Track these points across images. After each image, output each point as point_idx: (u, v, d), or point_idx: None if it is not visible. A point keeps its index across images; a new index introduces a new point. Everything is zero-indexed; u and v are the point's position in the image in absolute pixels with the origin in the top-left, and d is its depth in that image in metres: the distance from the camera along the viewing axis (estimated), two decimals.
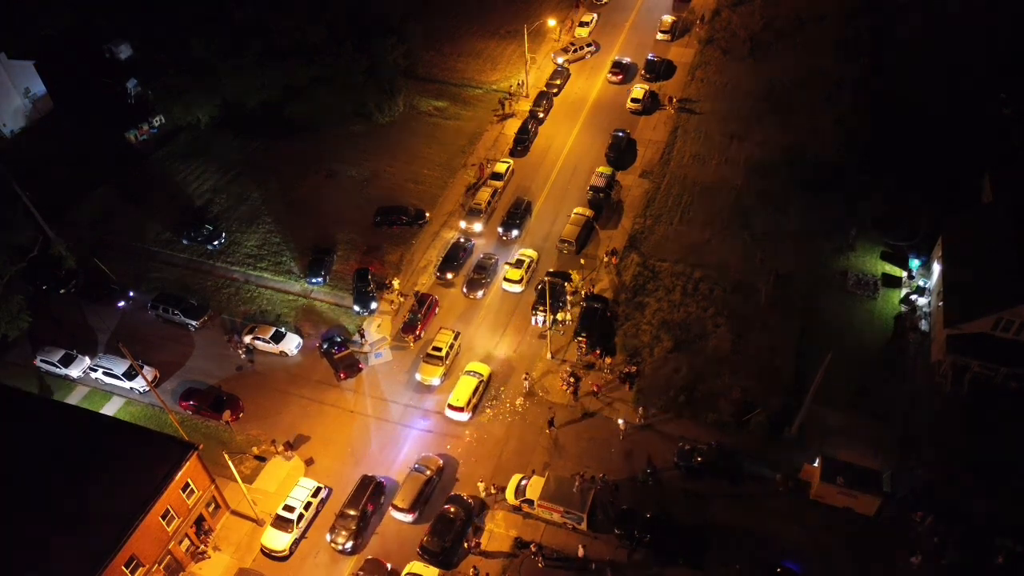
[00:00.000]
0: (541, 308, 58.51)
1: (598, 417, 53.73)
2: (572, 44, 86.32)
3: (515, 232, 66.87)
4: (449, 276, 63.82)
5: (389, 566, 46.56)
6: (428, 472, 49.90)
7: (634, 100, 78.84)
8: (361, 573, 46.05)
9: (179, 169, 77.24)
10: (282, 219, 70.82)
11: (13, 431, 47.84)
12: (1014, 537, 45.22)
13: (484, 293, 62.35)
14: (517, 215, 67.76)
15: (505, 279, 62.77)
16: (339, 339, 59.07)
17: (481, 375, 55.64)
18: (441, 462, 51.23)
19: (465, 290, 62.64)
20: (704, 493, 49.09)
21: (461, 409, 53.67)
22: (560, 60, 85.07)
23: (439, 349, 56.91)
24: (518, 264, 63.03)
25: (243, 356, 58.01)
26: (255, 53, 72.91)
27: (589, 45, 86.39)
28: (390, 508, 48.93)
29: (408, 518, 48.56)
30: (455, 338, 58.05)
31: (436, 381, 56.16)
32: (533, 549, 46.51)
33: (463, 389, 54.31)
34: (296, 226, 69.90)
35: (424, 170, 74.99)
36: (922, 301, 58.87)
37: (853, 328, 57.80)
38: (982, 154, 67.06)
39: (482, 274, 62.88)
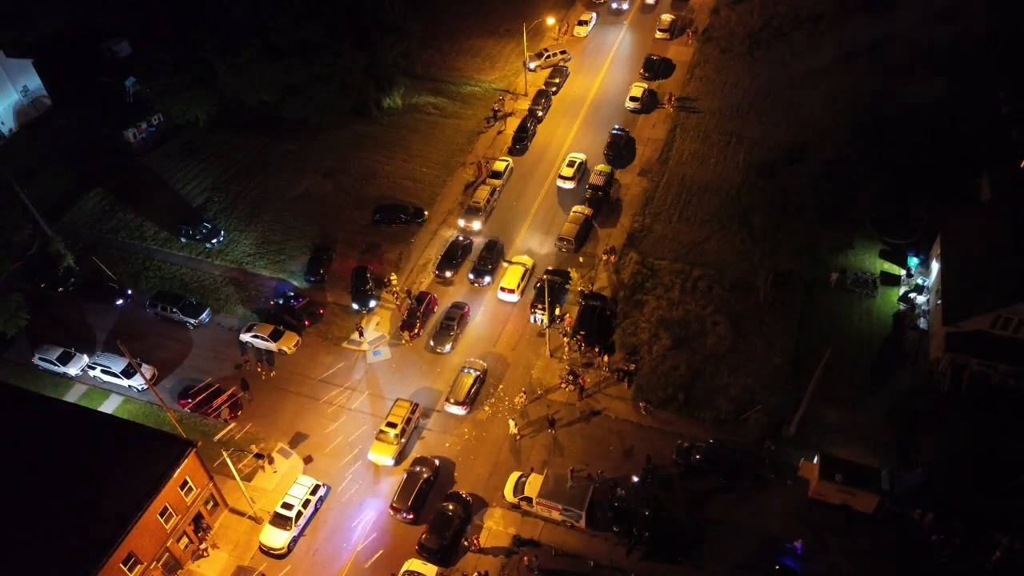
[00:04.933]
0: (540, 307, 58.48)
1: (597, 415, 53.77)
2: (546, 50, 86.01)
3: (487, 279, 62.76)
4: (448, 274, 63.77)
5: (437, 461, 50.87)
6: (475, 372, 55.22)
7: (633, 99, 78.87)
8: (415, 468, 49.93)
9: (177, 167, 77.17)
10: (281, 217, 70.79)
11: (11, 429, 47.71)
12: (1012, 534, 45.25)
13: (452, 347, 58.45)
14: (489, 259, 63.73)
15: (560, 176, 70.45)
16: (291, 292, 62.11)
17: (526, 265, 62.62)
18: (485, 365, 56.42)
19: (432, 343, 58.45)
20: (703, 490, 49.11)
21: (512, 291, 60.85)
22: (532, 65, 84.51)
23: (393, 424, 52.09)
24: (570, 164, 70.76)
25: (243, 392, 56.61)
26: (253, 51, 72.82)
27: (563, 52, 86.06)
28: (445, 404, 54.15)
29: (462, 411, 53.99)
30: (412, 411, 53.12)
31: (389, 461, 51.47)
32: (527, 562, 46.11)
33: (512, 275, 61.46)
34: (295, 224, 69.89)
35: (423, 168, 74.97)
36: (921, 299, 58.90)
37: (852, 326, 57.85)
38: (980, 152, 67.09)
39: (450, 324, 58.76)
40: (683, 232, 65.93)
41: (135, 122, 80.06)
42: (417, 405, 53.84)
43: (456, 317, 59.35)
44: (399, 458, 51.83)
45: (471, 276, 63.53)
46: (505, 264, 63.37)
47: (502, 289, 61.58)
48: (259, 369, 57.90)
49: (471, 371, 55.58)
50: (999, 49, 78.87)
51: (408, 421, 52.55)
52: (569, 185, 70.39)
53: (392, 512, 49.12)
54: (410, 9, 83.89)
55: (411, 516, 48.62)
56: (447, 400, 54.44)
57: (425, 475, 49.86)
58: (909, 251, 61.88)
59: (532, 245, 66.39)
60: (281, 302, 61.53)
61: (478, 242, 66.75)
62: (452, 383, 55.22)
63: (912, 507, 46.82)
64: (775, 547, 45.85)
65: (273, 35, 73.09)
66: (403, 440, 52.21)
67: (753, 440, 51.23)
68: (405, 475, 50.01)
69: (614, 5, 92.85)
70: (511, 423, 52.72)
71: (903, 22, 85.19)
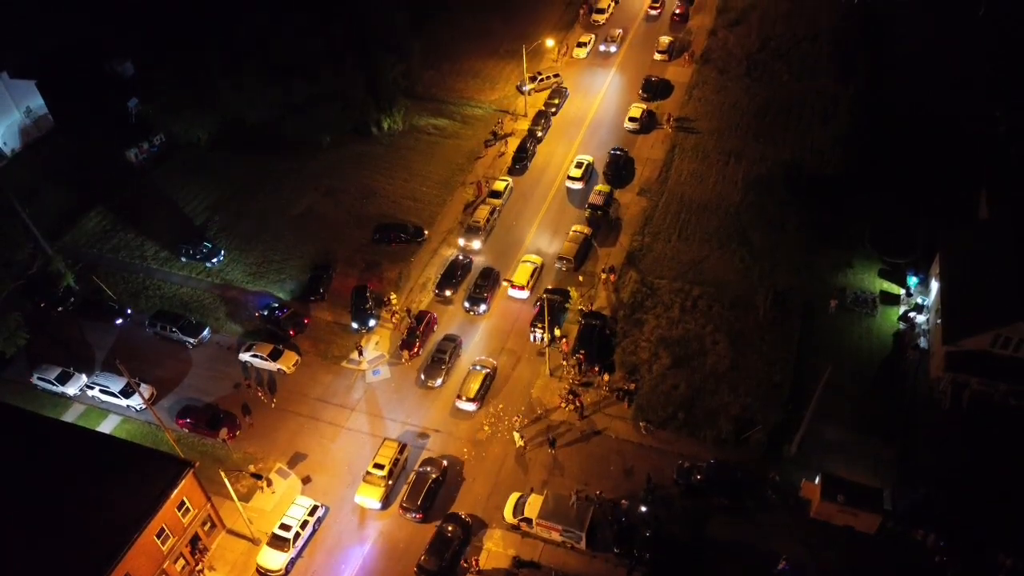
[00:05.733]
0: (540, 325, 58.47)
1: (597, 435, 53.52)
2: (539, 73, 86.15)
3: (483, 307, 61.81)
4: (448, 293, 63.78)
5: (444, 462, 51.52)
6: (486, 369, 56.60)
7: (631, 119, 79.43)
8: (423, 468, 50.56)
9: (178, 186, 77.48)
10: (281, 236, 70.94)
11: (9, 448, 47.51)
12: (1015, 554, 44.89)
13: (443, 381, 57.20)
14: (485, 287, 62.55)
15: (569, 177, 73.24)
16: (275, 304, 62.92)
17: (536, 263, 64.57)
18: (495, 362, 57.95)
19: (423, 376, 57.27)
20: (704, 511, 48.77)
21: (522, 288, 62.33)
22: (526, 88, 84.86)
23: (380, 466, 50.40)
24: (578, 165, 73.69)
25: (244, 417, 56.25)
26: (255, 70, 73.44)
27: (556, 75, 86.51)
28: (456, 400, 55.35)
29: (472, 407, 55.10)
30: (400, 451, 51.60)
31: (376, 504, 49.82)
32: None
33: (523, 272, 63.55)
34: (295, 243, 70.04)
35: (423, 188, 75.29)
36: (921, 319, 58.88)
37: (852, 345, 57.79)
38: (978, 171, 67.43)
39: (442, 357, 57.60)
40: (682, 251, 66.08)
41: (137, 142, 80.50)
42: (405, 445, 52.28)
43: (448, 350, 58.01)
44: (386, 501, 50.30)
45: (466, 304, 62.58)
46: (505, 282, 63.42)
47: (512, 286, 62.77)
48: (260, 394, 57.49)
49: (481, 368, 56.71)
50: (997, 68, 79.56)
51: (396, 462, 50.88)
52: (577, 186, 72.79)
53: (401, 512, 49.42)
54: (411, 29, 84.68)
55: (420, 516, 48.96)
56: (458, 397, 55.30)
57: (434, 475, 50.26)
58: (908, 270, 61.96)
59: (541, 244, 68.31)
60: (266, 313, 62.25)
61: (478, 261, 66.93)
62: (462, 381, 56.56)
63: (914, 527, 46.49)
64: (776, 567, 45.43)
65: (275, 53, 73.75)
66: (391, 482, 50.55)
67: (754, 459, 50.97)
68: (414, 475, 50.44)
69: (602, 48, 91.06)
70: (516, 435, 52.78)
71: (900, 41, 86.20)
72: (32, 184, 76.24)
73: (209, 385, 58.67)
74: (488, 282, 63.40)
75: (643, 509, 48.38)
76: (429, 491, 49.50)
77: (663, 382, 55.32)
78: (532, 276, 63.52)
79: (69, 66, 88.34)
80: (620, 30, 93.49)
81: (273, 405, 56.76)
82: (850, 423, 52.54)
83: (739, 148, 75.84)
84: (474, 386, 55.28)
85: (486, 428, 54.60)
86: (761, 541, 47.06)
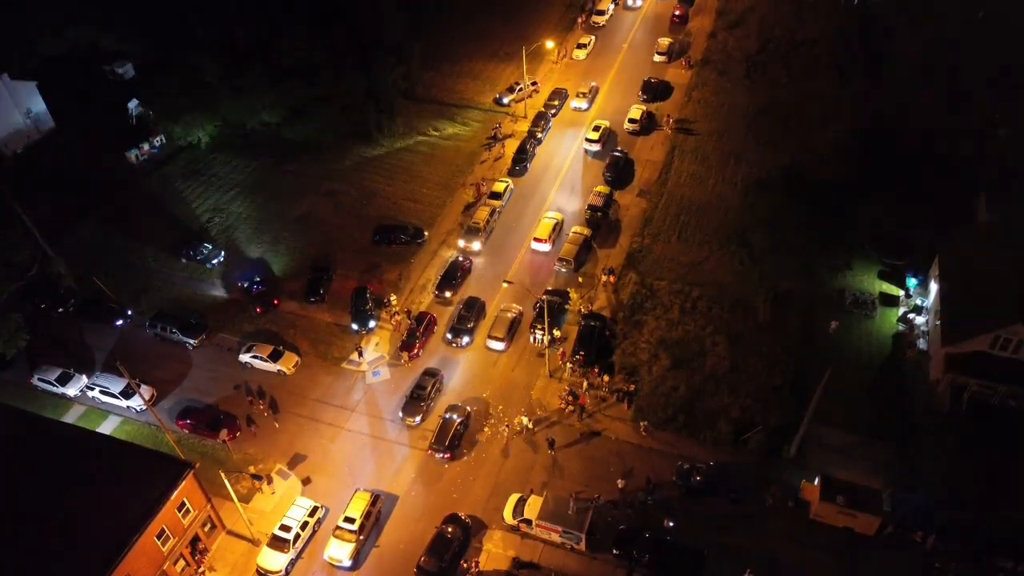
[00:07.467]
0: (540, 326, 58.53)
1: (597, 436, 53.58)
2: (516, 83, 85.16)
3: (466, 339, 59.82)
4: (448, 294, 63.84)
5: (468, 408, 54.97)
6: (512, 314, 60.54)
7: (631, 121, 79.56)
8: (448, 414, 53.74)
9: (179, 188, 77.58)
10: (281, 238, 71.02)
11: (9, 449, 47.51)
12: (1015, 557, 44.92)
13: (422, 419, 54.78)
14: (468, 319, 60.42)
15: (587, 139, 77.07)
16: (257, 279, 65.10)
17: (557, 219, 68.37)
18: (521, 308, 61.67)
19: (401, 414, 55.06)
20: (703, 512, 48.80)
21: (544, 241, 66.37)
22: (506, 100, 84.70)
23: (352, 520, 47.50)
24: (596, 129, 77.42)
25: (249, 426, 55.83)
26: (256, 74, 73.55)
27: (533, 84, 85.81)
28: (488, 339, 59.39)
29: (501, 346, 58.93)
30: (372, 503, 48.69)
31: (346, 561, 46.87)
32: None
33: (544, 227, 67.41)
34: (295, 245, 70.11)
35: (423, 189, 75.38)
36: (920, 320, 58.94)
37: (851, 347, 57.84)
38: (978, 173, 67.51)
39: (422, 393, 55.25)
40: (682, 252, 66.16)
41: (137, 144, 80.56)
42: (378, 497, 49.51)
43: (428, 386, 55.53)
44: (358, 558, 47.53)
45: (448, 336, 60.05)
46: (505, 284, 63.44)
47: (536, 240, 66.85)
48: (263, 410, 56.71)
49: (509, 312, 60.70)
50: (993, 71, 79.67)
51: (368, 515, 48.15)
52: (595, 148, 76.56)
53: (430, 453, 52.60)
54: (411, 31, 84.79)
55: (448, 456, 52.26)
56: (488, 336, 59.31)
57: (459, 420, 53.37)
58: (907, 271, 62.03)
59: (561, 202, 72.48)
60: (245, 285, 64.25)
61: (478, 263, 67.04)
62: (492, 321, 60.51)
63: (914, 529, 46.52)
64: (776, 568, 45.47)
65: (275, 56, 73.85)
66: (363, 537, 47.78)
67: (754, 461, 51.02)
68: (441, 420, 53.58)
69: (573, 104, 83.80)
70: (524, 419, 53.59)
71: (900, 42, 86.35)
72: (33, 185, 76.27)
73: (209, 386, 58.69)
74: (472, 313, 61.17)
75: (670, 524, 47.93)
76: (455, 434, 52.74)
77: (663, 383, 55.37)
78: (553, 231, 67.11)
79: (70, 68, 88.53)
80: (594, 83, 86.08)
81: (276, 425, 56.01)
82: (849, 424, 52.60)
83: (739, 150, 75.98)
84: (503, 328, 59.23)
85: (486, 430, 54.62)
86: (760, 542, 47.09)
